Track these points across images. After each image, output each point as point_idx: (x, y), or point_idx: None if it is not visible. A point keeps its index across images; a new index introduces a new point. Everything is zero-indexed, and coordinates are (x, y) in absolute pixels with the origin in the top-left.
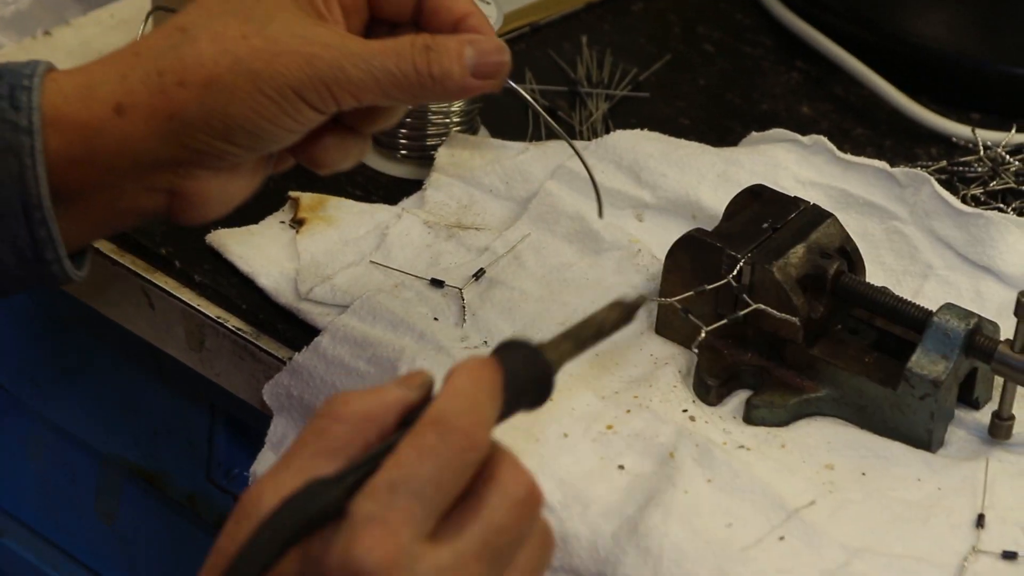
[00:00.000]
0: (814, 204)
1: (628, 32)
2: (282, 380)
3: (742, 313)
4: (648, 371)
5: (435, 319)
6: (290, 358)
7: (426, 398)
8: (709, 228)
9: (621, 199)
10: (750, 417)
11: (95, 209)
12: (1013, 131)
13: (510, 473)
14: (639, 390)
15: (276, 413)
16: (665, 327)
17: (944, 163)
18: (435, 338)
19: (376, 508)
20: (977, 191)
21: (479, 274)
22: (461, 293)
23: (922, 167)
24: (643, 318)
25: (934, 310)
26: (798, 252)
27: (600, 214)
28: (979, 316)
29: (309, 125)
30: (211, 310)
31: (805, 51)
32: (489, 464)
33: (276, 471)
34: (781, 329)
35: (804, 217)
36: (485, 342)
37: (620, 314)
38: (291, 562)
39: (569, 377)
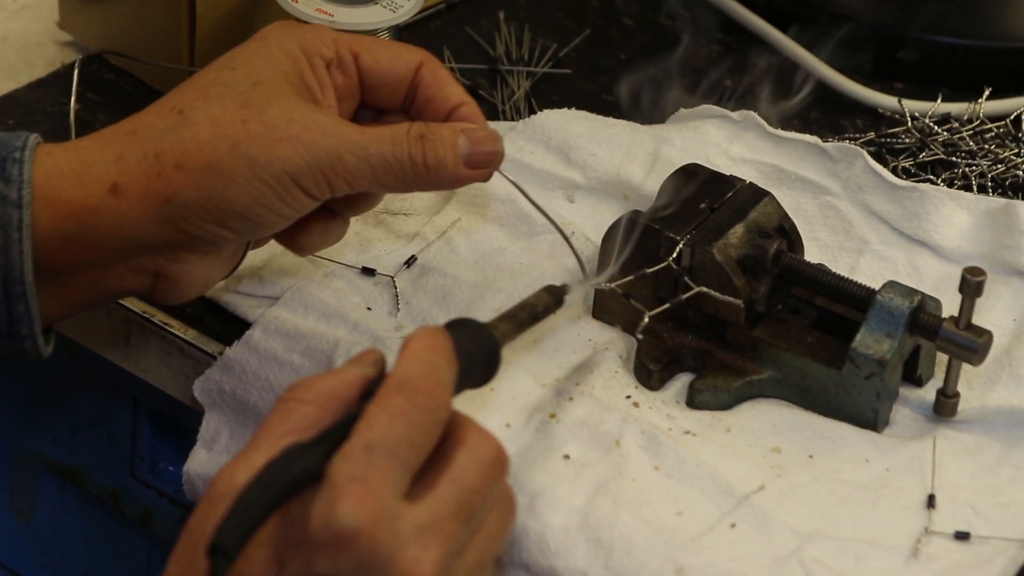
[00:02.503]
0: (751, 183)
1: (545, 7)
2: (213, 375)
3: (685, 297)
4: (588, 357)
5: (368, 309)
6: (221, 353)
7: (382, 373)
8: (642, 208)
9: (551, 180)
10: (693, 401)
11: (78, 287)
12: (939, 101)
13: (476, 436)
14: (580, 377)
15: (208, 409)
16: (603, 311)
17: (872, 135)
18: (369, 328)
19: (355, 469)
20: (907, 163)
21: (410, 261)
22: (393, 281)
23: (850, 140)
24: (579, 302)
25: (876, 288)
26: (737, 232)
27: (552, 223)
28: (922, 293)
29: (302, 211)
30: (136, 305)
31: (724, 22)
32: (455, 428)
33: (247, 453)
34: (723, 311)
35: (741, 196)
36: None
37: (553, 299)
38: (271, 528)
39: (508, 364)
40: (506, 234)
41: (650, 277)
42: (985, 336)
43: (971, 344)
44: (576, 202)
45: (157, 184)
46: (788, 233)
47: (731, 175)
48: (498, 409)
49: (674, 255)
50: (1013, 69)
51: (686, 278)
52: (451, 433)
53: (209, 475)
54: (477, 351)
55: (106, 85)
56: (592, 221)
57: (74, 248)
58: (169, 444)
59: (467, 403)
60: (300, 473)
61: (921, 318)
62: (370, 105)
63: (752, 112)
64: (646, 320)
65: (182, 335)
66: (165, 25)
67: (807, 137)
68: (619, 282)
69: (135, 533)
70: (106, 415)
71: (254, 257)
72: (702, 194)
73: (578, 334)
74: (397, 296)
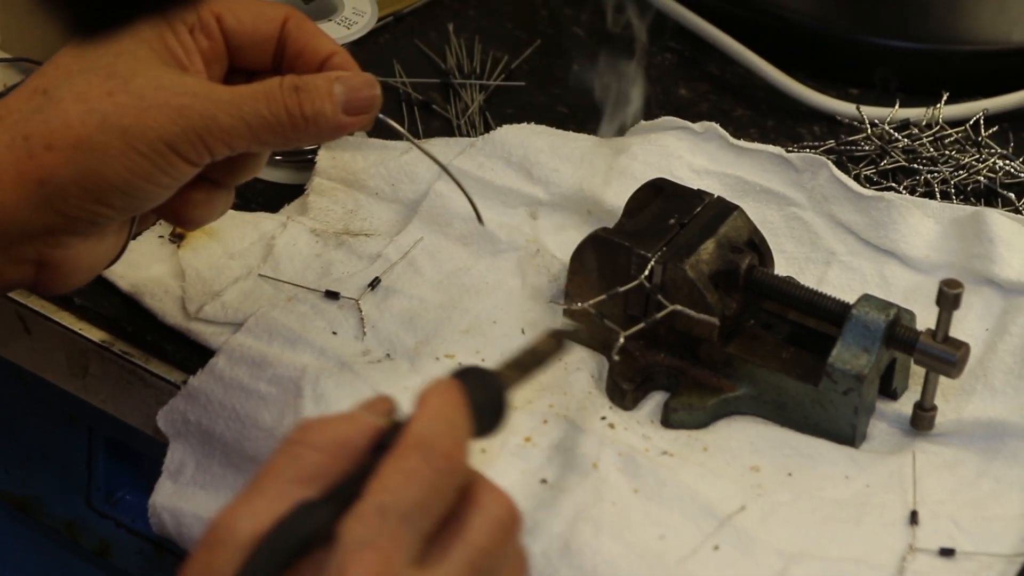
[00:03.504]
0: (719, 196)
1: (494, 17)
2: (177, 405)
3: (659, 316)
4: (560, 377)
5: (334, 333)
6: (184, 382)
7: (395, 425)
8: (607, 223)
9: (513, 197)
10: (669, 420)
11: None
12: (897, 107)
13: (490, 495)
14: (554, 398)
15: (172, 440)
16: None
17: (832, 143)
18: (336, 354)
19: (367, 532)
20: (868, 171)
21: (375, 283)
22: (358, 305)
23: (810, 148)
24: (546, 322)
25: (849, 301)
26: (708, 248)
27: (480, 221)
28: (897, 306)
29: (182, 180)
30: (94, 334)
31: (675, 30)
32: (468, 486)
33: (249, 498)
34: (696, 328)
35: (710, 211)
36: (388, 355)
37: (557, 343)
38: None
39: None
40: (470, 253)
41: (620, 295)
42: (963, 349)
43: (949, 357)
44: (539, 219)
45: (29, 167)
46: (758, 247)
47: (699, 189)
48: None
49: (646, 273)
50: (968, 72)
51: (659, 296)
52: (464, 491)
53: (177, 507)
54: (487, 401)
55: None
56: (556, 238)
57: None
58: (126, 473)
59: None
60: (311, 533)
61: (898, 332)
62: (239, 67)
63: (714, 123)
64: (621, 340)
65: (143, 364)
66: None
67: (770, 148)
68: (592, 301)
69: (92, 564)
70: (60, 445)
71: (214, 282)
72: (670, 209)
73: None
74: (363, 320)
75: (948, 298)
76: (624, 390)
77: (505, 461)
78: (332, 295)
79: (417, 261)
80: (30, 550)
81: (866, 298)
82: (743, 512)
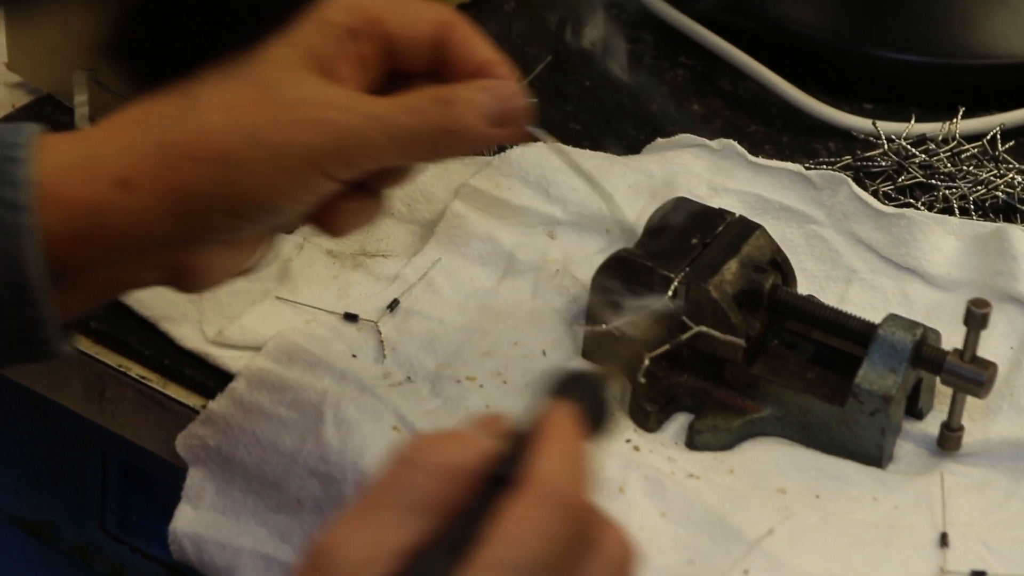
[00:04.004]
0: (740, 216)
1: (504, 33)
2: (196, 430)
3: (685, 337)
4: None
5: (353, 356)
6: (203, 406)
7: (512, 451)
8: (626, 242)
9: (531, 216)
10: (693, 442)
11: (93, 284)
12: (912, 121)
13: (609, 535)
14: None
15: (191, 465)
16: (593, 352)
17: (849, 159)
18: (357, 377)
19: None
20: (887, 187)
21: (393, 305)
22: (377, 327)
23: (827, 165)
24: (567, 343)
25: (873, 320)
26: (732, 268)
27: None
28: (924, 326)
29: (323, 195)
30: (111, 359)
31: (687, 45)
32: (588, 526)
33: (356, 522)
34: (721, 349)
35: (732, 230)
36: (408, 377)
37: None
38: None
39: (501, 409)
40: (488, 273)
41: (643, 316)
42: (991, 368)
43: (978, 377)
44: (557, 238)
45: (168, 176)
46: (781, 266)
47: (720, 208)
48: None
49: (670, 293)
50: (983, 86)
51: (684, 317)
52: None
53: (197, 534)
54: (594, 410)
55: (61, 127)
56: (575, 257)
57: (86, 247)
58: (140, 496)
59: None
60: None
61: (925, 352)
62: (396, 70)
63: (731, 141)
64: (647, 362)
65: (161, 389)
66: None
67: (789, 165)
68: (616, 323)
69: None
70: (73, 469)
71: (232, 305)
72: (692, 228)
73: None
74: (382, 342)
75: (976, 318)
76: (648, 412)
77: None
78: (351, 317)
79: (435, 282)
80: (43, 574)
81: (892, 318)
82: (772, 535)
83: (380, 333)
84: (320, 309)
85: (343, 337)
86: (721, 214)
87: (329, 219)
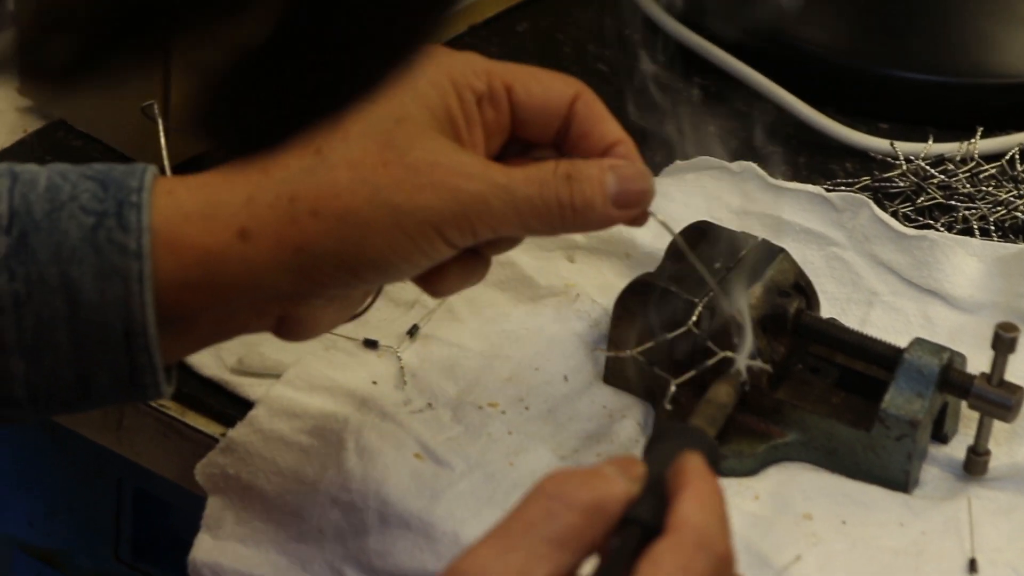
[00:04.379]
0: (763, 239)
1: (517, 54)
2: (216, 459)
3: (711, 362)
4: (604, 425)
5: (374, 383)
6: (223, 434)
7: (650, 496)
8: (646, 266)
9: (550, 240)
10: (718, 468)
11: (201, 330)
12: (931, 141)
13: None
14: (600, 447)
15: (211, 494)
16: (616, 377)
17: (867, 180)
18: (378, 404)
19: None
20: (906, 208)
21: (413, 331)
22: (397, 354)
23: (845, 186)
24: (589, 368)
25: (897, 343)
26: (756, 292)
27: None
28: (950, 350)
29: (439, 260)
30: None
31: (701, 65)
32: None
33: (501, 550)
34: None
35: (756, 254)
36: (429, 404)
37: (734, 391)
38: None
39: (523, 436)
40: (508, 299)
41: (667, 341)
42: (1019, 393)
43: (1006, 402)
44: (576, 262)
45: (290, 231)
46: (804, 290)
47: (743, 232)
48: (518, 486)
49: (694, 318)
50: (1000, 105)
51: (709, 342)
52: None
53: (217, 563)
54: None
55: (73, 153)
56: (595, 282)
57: (198, 295)
58: (155, 525)
59: (485, 484)
60: None
61: (952, 376)
62: (519, 138)
63: (751, 163)
64: (673, 389)
65: (180, 417)
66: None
67: (810, 187)
68: (640, 348)
69: None
70: (87, 497)
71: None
72: (715, 253)
73: (592, 401)
74: (402, 369)
75: (1004, 342)
76: None
77: None
78: (371, 344)
79: (455, 308)
80: None
81: (918, 342)
82: (799, 562)
83: (400, 360)
84: (340, 336)
85: (363, 363)
86: (744, 237)
87: (436, 280)
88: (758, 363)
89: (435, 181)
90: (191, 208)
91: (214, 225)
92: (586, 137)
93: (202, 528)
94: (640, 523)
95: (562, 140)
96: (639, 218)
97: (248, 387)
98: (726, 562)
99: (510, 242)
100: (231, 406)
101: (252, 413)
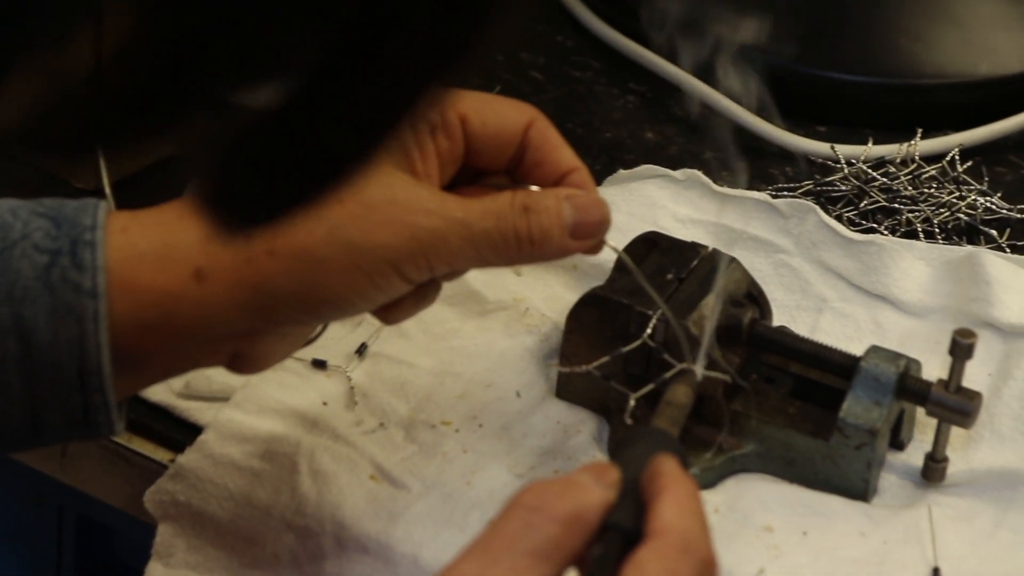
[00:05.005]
0: (714, 249)
1: None
2: (165, 486)
3: (669, 375)
4: (559, 440)
5: (324, 404)
6: (171, 460)
7: (627, 502)
8: (594, 278)
9: None
10: (688, 468)
11: (154, 368)
12: (870, 144)
13: None
14: (556, 463)
15: (160, 521)
16: (568, 391)
17: (810, 184)
18: (329, 425)
19: None
20: (849, 212)
21: (361, 350)
22: (347, 373)
23: (787, 191)
24: (541, 383)
25: (853, 352)
26: (709, 303)
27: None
28: (907, 357)
29: (395, 297)
30: None
31: (636, 71)
32: None
33: (483, 564)
34: (702, 386)
35: (707, 264)
36: (381, 424)
37: (692, 392)
38: None
39: (479, 454)
40: (457, 314)
41: (621, 354)
42: (976, 399)
43: (964, 408)
44: (524, 275)
45: (246, 270)
46: (757, 299)
47: (693, 242)
48: (477, 505)
49: (648, 331)
50: (936, 105)
51: (666, 355)
52: None
53: None
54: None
55: (4, 175)
56: (543, 294)
57: (153, 336)
58: (100, 552)
59: (443, 505)
60: None
61: (909, 383)
62: (472, 166)
63: (696, 171)
64: (632, 403)
65: (126, 444)
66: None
67: (755, 194)
68: (596, 363)
69: None
70: (28, 525)
71: None
72: (667, 263)
73: (545, 416)
74: (353, 389)
75: (962, 348)
76: None
77: None
78: (319, 364)
79: (403, 325)
80: None
81: (874, 350)
82: None
83: (350, 379)
84: (289, 356)
85: (313, 385)
86: (694, 248)
87: (390, 309)
88: (717, 373)
89: (392, 218)
90: (145, 248)
91: (169, 265)
92: (540, 165)
93: (153, 556)
94: (620, 529)
95: (515, 167)
96: (595, 247)
97: (196, 411)
98: (709, 565)
99: (461, 271)
100: (179, 431)
101: (201, 438)
